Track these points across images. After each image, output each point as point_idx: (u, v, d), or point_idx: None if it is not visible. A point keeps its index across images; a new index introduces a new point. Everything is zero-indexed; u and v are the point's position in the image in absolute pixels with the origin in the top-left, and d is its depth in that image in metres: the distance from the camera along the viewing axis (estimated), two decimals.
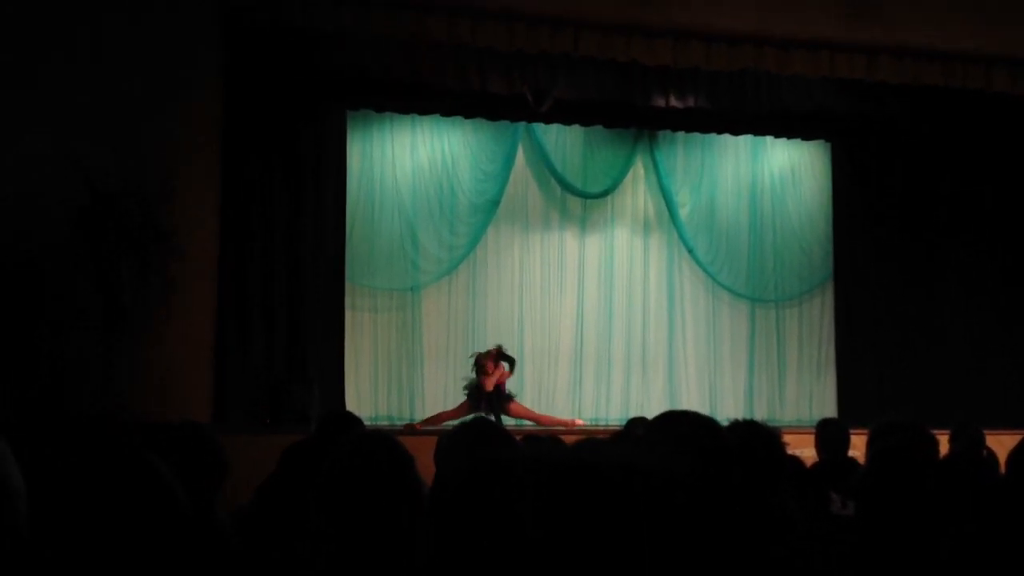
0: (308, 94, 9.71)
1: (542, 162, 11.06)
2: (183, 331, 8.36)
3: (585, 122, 10.71)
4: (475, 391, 9.56)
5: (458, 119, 10.54)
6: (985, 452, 5.93)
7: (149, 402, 7.67)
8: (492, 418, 8.90)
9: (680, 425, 2.18)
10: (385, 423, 10.08)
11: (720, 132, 11.06)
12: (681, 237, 11.31)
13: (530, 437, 3.90)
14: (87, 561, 1.65)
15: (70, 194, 7.64)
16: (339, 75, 9.39)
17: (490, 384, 9.51)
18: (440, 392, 10.43)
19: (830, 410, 10.85)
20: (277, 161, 9.76)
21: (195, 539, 2.03)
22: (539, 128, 10.86)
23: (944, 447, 5.24)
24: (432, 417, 9.58)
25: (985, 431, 6.25)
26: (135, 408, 7.49)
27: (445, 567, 1.05)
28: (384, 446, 2.27)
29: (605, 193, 11.17)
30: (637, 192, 11.36)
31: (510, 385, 9.77)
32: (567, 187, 11.12)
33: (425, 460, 2.72)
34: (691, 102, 9.93)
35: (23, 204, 7.72)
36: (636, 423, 5.85)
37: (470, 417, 6.24)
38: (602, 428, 9.71)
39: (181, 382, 8.21)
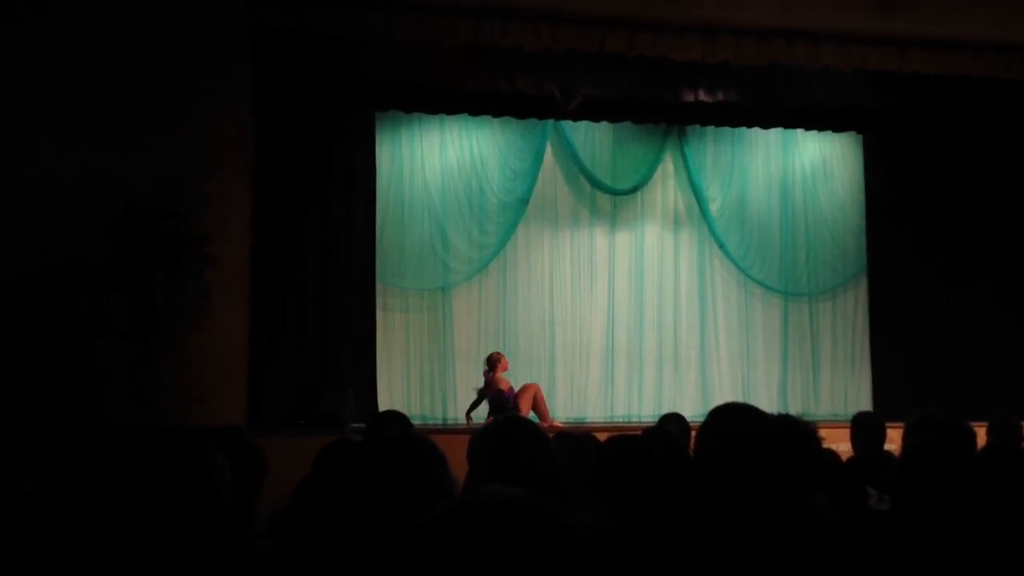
0: (336, 98, 9.76)
1: (571, 159, 11.05)
2: (217, 336, 8.44)
3: (613, 119, 10.69)
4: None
5: (486, 118, 10.55)
6: None
7: (185, 407, 7.75)
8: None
9: (728, 426, 2.20)
10: (417, 423, 10.09)
11: (750, 126, 10.99)
12: (712, 232, 11.27)
13: (563, 434, 3.90)
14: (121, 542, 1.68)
15: (104, 204, 7.75)
16: (367, 79, 9.43)
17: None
18: (472, 391, 10.46)
19: (865, 404, 10.75)
20: (307, 165, 9.82)
21: (232, 534, 2.06)
22: (567, 126, 10.86)
23: (981, 440, 5.19)
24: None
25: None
26: (172, 414, 7.59)
27: None
28: (416, 445, 2.28)
29: (635, 189, 11.15)
30: (667, 188, 11.33)
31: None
32: (596, 184, 11.10)
33: (458, 458, 2.73)
34: (720, 96, 9.88)
35: (58, 215, 7.84)
36: (669, 419, 5.84)
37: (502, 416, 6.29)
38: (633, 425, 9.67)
39: (216, 387, 8.29)
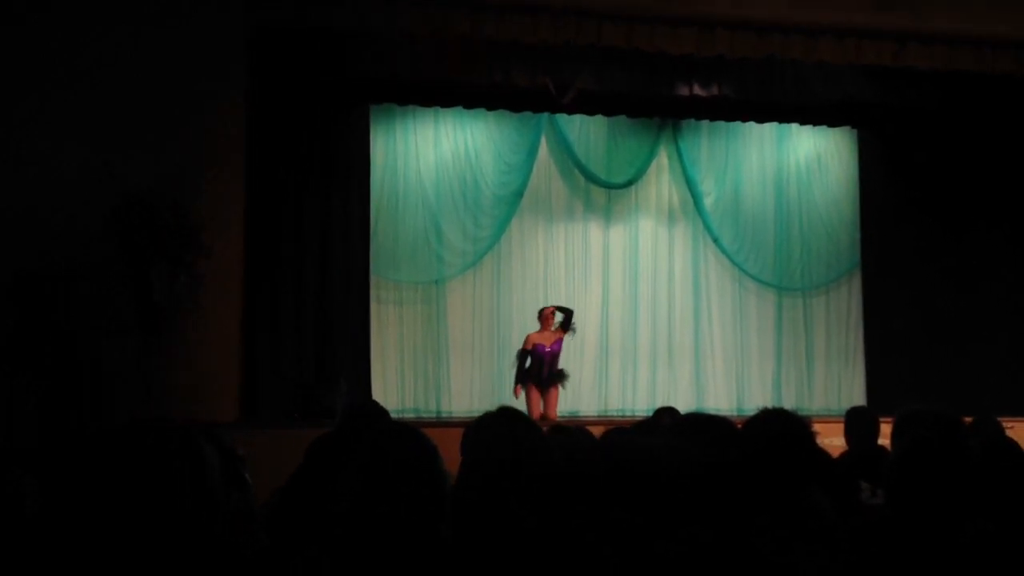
0: (331, 92, 9.75)
1: (566, 153, 11.04)
2: (212, 328, 8.43)
3: (608, 112, 10.67)
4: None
5: (481, 111, 10.54)
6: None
7: (180, 400, 7.74)
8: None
9: (706, 426, 2.21)
10: (411, 415, 10.11)
11: (745, 120, 10.99)
12: (706, 226, 11.26)
13: (557, 428, 3.88)
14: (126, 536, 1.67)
15: (101, 197, 7.72)
16: (362, 71, 9.39)
17: (545, 339, 9.71)
18: (466, 384, 10.47)
19: (859, 398, 10.78)
20: (302, 158, 9.81)
21: (229, 523, 2.05)
22: (562, 119, 10.83)
23: None
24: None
25: (1013, 420, 6.19)
26: (167, 407, 7.58)
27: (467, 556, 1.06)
28: (408, 438, 2.27)
29: (629, 183, 11.13)
30: (661, 182, 11.32)
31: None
32: (591, 178, 11.09)
33: (451, 451, 2.71)
34: (715, 90, 9.87)
35: (56, 209, 7.82)
36: (663, 412, 5.83)
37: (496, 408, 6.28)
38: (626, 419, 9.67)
39: (210, 379, 8.27)
